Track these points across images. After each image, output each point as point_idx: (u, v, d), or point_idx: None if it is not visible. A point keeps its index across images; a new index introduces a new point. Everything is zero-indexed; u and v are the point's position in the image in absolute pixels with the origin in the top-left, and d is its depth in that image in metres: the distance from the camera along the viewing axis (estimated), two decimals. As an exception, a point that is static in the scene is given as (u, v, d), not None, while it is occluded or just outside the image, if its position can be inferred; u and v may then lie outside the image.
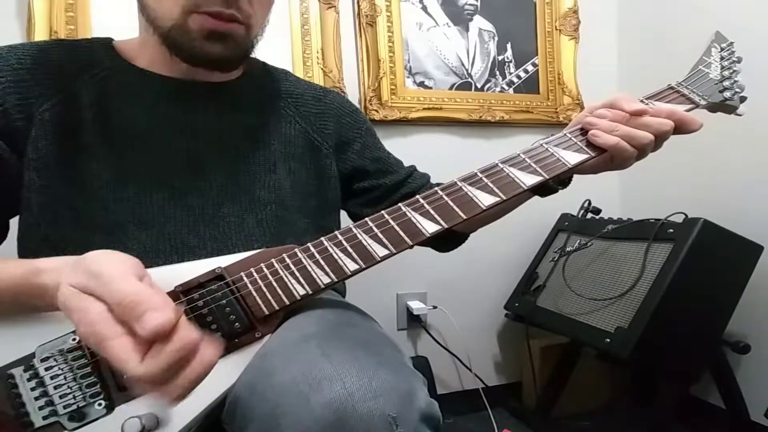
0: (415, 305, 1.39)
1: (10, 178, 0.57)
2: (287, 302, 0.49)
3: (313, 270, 0.50)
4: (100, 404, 0.44)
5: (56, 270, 0.42)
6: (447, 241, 0.79)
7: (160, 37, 0.59)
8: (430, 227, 0.52)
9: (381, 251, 0.51)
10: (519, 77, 1.52)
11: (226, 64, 0.62)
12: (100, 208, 0.57)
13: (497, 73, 1.50)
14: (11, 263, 0.47)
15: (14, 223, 0.62)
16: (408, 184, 0.79)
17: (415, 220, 0.53)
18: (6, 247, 0.62)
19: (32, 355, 0.46)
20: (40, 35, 1.08)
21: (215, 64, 0.61)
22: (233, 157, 0.64)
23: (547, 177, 0.56)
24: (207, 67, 0.62)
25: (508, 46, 1.51)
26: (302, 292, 0.50)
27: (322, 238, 0.53)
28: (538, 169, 0.56)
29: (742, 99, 0.65)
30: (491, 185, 0.55)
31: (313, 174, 0.71)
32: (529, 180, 0.55)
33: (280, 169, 0.67)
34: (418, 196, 0.55)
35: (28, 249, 0.59)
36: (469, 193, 0.54)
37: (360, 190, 0.78)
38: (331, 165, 0.73)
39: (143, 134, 0.60)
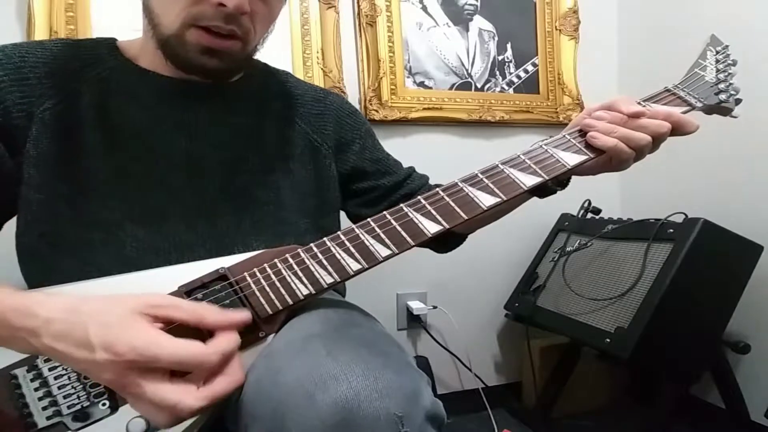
0: (415, 305, 1.39)
1: (5, 176, 0.57)
2: (290, 302, 0.49)
3: (316, 270, 0.51)
4: (104, 404, 0.44)
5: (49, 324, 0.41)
6: (446, 242, 0.80)
7: (157, 42, 0.59)
8: (431, 227, 0.53)
9: (383, 251, 0.51)
10: (519, 77, 1.52)
11: (220, 76, 0.63)
12: (98, 206, 0.58)
13: (497, 73, 1.50)
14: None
15: (12, 221, 0.62)
16: (407, 184, 0.79)
17: (417, 221, 0.53)
18: (6, 246, 0.62)
19: (35, 356, 0.46)
20: (40, 35, 1.08)
21: (210, 75, 0.62)
22: (232, 157, 0.64)
23: (547, 178, 0.56)
24: (202, 77, 0.63)
25: (508, 46, 1.51)
26: (305, 291, 0.50)
27: (325, 239, 0.53)
28: (537, 170, 0.57)
29: (738, 101, 0.65)
30: (492, 186, 0.55)
31: (312, 175, 0.71)
32: (529, 181, 0.56)
33: (279, 170, 0.67)
34: (419, 197, 0.55)
35: (26, 245, 0.59)
36: (470, 193, 0.55)
37: (359, 190, 0.78)
38: (330, 166, 0.73)
39: (143, 133, 0.61)
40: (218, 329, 0.43)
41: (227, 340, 0.42)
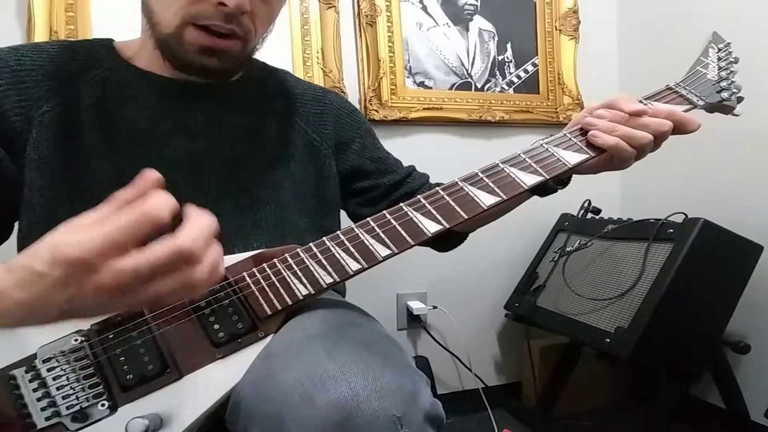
0: (415, 305, 1.39)
1: (6, 180, 0.57)
2: (290, 302, 0.49)
3: (315, 270, 0.51)
4: (103, 405, 0.44)
5: None
6: (446, 241, 0.80)
7: (156, 41, 0.59)
8: (431, 227, 0.52)
9: (383, 251, 0.51)
10: (519, 77, 1.52)
11: (219, 76, 0.63)
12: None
13: (497, 73, 1.50)
14: None
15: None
16: (407, 183, 0.79)
17: (416, 220, 0.53)
18: (6, 245, 0.62)
19: (34, 356, 0.46)
20: (40, 35, 1.07)
21: (209, 75, 0.62)
22: (232, 157, 0.64)
23: (548, 177, 0.56)
24: (200, 76, 0.62)
25: (508, 46, 1.51)
26: (305, 291, 0.50)
27: (324, 238, 0.53)
28: (538, 169, 0.56)
29: (739, 99, 0.65)
30: (492, 185, 0.55)
31: (312, 174, 0.71)
32: (529, 180, 0.56)
33: (279, 170, 0.67)
34: (419, 196, 0.55)
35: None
36: (470, 193, 0.55)
37: (359, 189, 0.78)
38: (330, 165, 0.73)
39: (142, 134, 0.61)
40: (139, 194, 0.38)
41: (158, 196, 0.36)
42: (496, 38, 1.50)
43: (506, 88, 1.51)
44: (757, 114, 1.13)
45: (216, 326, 0.48)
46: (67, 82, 0.60)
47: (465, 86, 1.46)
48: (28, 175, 0.57)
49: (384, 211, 0.54)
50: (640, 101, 0.61)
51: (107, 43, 0.65)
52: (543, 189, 0.62)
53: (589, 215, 1.35)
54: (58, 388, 0.44)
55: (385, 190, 0.78)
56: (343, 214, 0.80)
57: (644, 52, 1.55)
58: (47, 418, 0.43)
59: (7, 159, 0.56)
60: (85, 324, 0.48)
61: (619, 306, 1.07)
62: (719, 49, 0.68)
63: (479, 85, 1.48)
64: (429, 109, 1.40)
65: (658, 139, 0.57)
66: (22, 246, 0.60)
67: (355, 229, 0.53)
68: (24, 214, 0.59)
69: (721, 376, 1.16)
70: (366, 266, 0.51)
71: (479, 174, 0.56)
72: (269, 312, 0.49)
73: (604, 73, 1.63)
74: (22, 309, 0.35)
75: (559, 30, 1.55)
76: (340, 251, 0.51)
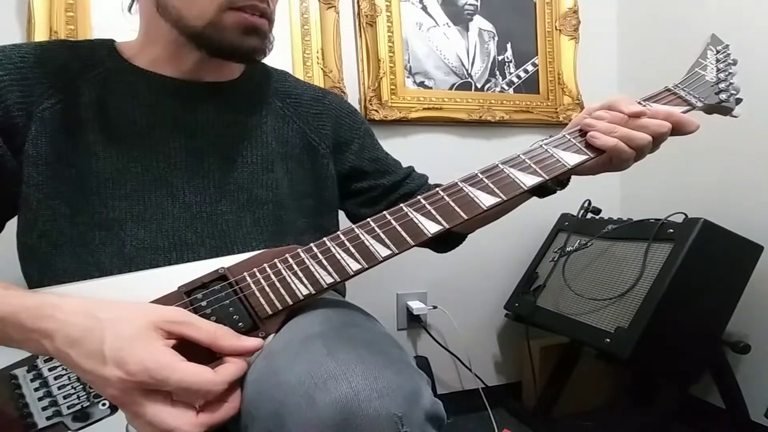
0: (415, 305, 1.39)
1: (6, 175, 0.57)
2: (290, 302, 0.49)
3: (316, 270, 0.51)
4: (104, 404, 0.44)
5: (64, 327, 0.42)
6: (446, 241, 0.80)
7: (189, 36, 0.59)
8: (431, 227, 0.53)
9: (383, 251, 0.51)
10: (519, 77, 1.52)
11: (257, 57, 0.63)
12: (98, 205, 0.58)
13: (497, 73, 1.50)
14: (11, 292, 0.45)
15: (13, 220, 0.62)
16: (406, 184, 0.79)
17: (417, 221, 0.53)
18: (6, 245, 0.62)
19: (35, 356, 0.46)
20: (40, 35, 1.08)
21: (248, 57, 0.62)
22: (231, 155, 0.64)
23: (547, 178, 0.56)
24: (239, 61, 0.64)
25: (508, 46, 1.51)
26: (305, 292, 0.50)
27: (325, 239, 0.53)
28: (537, 169, 0.57)
29: (738, 101, 0.65)
30: (492, 186, 0.55)
31: (310, 174, 0.71)
32: (529, 180, 0.56)
33: (278, 169, 0.67)
34: (419, 197, 0.55)
35: (26, 245, 0.59)
36: (470, 193, 0.55)
37: (358, 190, 0.78)
38: (328, 165, 0.73)
39: (142, 132, 0.61)
40: (230, 355, 0.44)
41: (236, 368, 0.43)
42: (496, 38, 1.50)
43: (506, 88, 1.51)
44: (758, 114, 1.13)
45: (217, 326, 0.48)
46: (68, 80, 0.60)
47: (465, 86, 1.46)
48: (26, 171, 0.57)
49: (384, 212, 0.54)
50: (639, 102, 0.62)
51: (108, 44, 0.66)
52: (542, 190, 0.62)
53: (589, 215, 1.36)
54: (59, 388, 0.45)
55: (384, 191, 0.78)
56: (341, 215, 0.80)
57: (644, 52, 1.55)
58: (48, 418, 0.44)
59: (8, 154, 0.57)
60: None
61: (619, 306, 1.07)
62: (717, 51, 0.68)
63: (479, 85, 1.48)
64: (429, 109, 1.40)
65: (657, 140, 0.58)
66: (20, 241, 0.60)
67: (356, 230, 0.53)
68: (22, 210, 0.59)
69: (721, 376, 1.16)
70: (366, 266, 0.51)
71: (479, 175, 0.56)
72: (270, 312, 0.49)
73: (604, 73, 1.63)
74: (58, 353, 0.42)
75: (559, 30, 1.55)
76: (340, 251, 0.52)
